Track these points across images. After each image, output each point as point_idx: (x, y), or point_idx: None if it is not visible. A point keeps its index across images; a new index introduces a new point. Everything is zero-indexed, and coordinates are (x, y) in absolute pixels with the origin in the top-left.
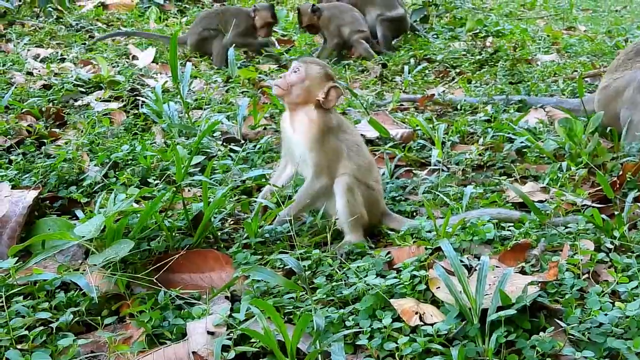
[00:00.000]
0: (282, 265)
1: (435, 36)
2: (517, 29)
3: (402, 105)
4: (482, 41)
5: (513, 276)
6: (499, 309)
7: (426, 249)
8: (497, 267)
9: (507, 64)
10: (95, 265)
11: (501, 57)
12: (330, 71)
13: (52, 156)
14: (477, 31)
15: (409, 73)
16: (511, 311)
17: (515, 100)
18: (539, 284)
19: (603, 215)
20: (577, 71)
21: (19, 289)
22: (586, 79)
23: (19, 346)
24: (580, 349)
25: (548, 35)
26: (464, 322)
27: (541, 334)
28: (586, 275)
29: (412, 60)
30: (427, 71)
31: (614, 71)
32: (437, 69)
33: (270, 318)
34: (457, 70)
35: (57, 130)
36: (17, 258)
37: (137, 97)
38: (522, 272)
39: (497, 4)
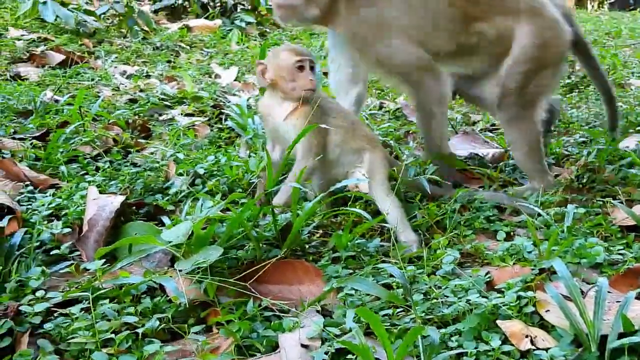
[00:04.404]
0: (375, 281)
1: None
2: (608, 53)
3: (493, 124)
4: (571, 65)
5: (632, 302)
6: (621, 335)
7: (532, 269)
8: (609, 292)
9: None
10: (185, 271)
11: (592, 81)
12: (300, 49)
13: (137, 165)
14: None
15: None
16: (636, 338)
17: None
18: None
19: None
20: None
21: (104, 291)
22: None
23: (104, 350)
24: None
25: (639, 61)
26: (580, 349)
27: None
28: None
29: None
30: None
31: None
32: None
33: (370, 331)
34: None
35: (142, 140)
36: (103, 260)
37: (221, 112)
38: (639, 297)
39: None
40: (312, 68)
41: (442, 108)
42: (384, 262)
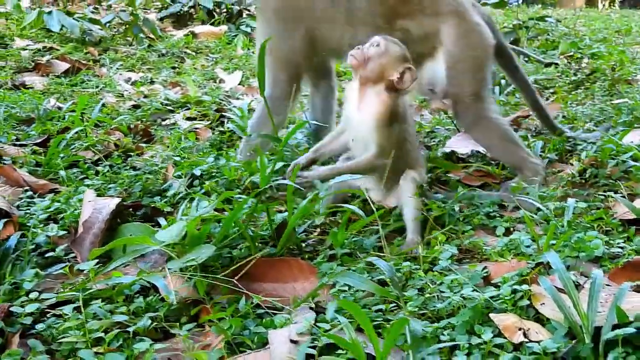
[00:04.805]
0: (369, 278)
1: (526, 59)
2: (615, 50)
3: None
4: (578, 62)
5: (628, 294)
6: (615, 327)
7: (528, 263)
8: (607, 285)
9: (605, 85)
10: (175, 269)
11: (598, 78)
12: (407, 53)
13: (137, 168)
14: (571, 53)
15: (500, 94)
16: (630, 329)
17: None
18: None
19: None
20: None
21: (97, 292)
22: None
23: (94, 349)
24: None
25: None
26: (574, 341)
27: None
28: None
29: (502, 81)
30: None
31: None
32: None
33: (361, 326)
34: (552, 91)
35: (143, 145)
36: (96, 261)
37: (223, 116)
38: (637, 290)
39: (591, 30)
40: None
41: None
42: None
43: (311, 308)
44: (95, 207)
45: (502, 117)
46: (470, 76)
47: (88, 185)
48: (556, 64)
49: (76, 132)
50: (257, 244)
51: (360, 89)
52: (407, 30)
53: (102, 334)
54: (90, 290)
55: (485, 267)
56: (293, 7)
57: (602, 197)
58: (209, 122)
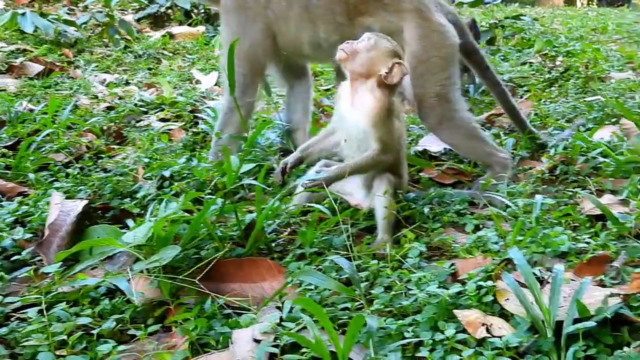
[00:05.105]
0: (336, 277)
1: (502, 57)
2: (589, 48)
3: None
4: (552, 60)
5: (591, 288)
6: (576, 321)
7: (493, 259)
8: (572, 280)
9: (579, 82)
10: (137, 271)
11: (572, 76)
12: (399, 50)
13: (108, 170)
14: (546, 52)
15: (474, 92)
16: (590, 323)
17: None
18: (621, 297)
19: None
20: None
21: (63, 295)
22: None
23: (57, 352)
24: None
25: (622, 55)
26: (536, 336)
27: (625, 349)
28: None
29: (477, 79)
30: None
31: None
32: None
33: (322, 325)
34: (526, 89)
35: (115, 146)
36: (60, 263)
37: (197, 117)
38: (601, 284)
39: (567, 29)
40: None
41: None
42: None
43: (278, 307)
44: (62, 209)
45: (469, 115)
46: (434, 77)
47: (57, 188)
48: (531, 62)
49: (47, 135)
50: (226, 244)
51: (352, 87)
52: (368, 28)
53: (65, 337)
54: (56, 293)
55: (452, 264)
56: (251, 2)
57: (571, 193)
58: (183, 123)
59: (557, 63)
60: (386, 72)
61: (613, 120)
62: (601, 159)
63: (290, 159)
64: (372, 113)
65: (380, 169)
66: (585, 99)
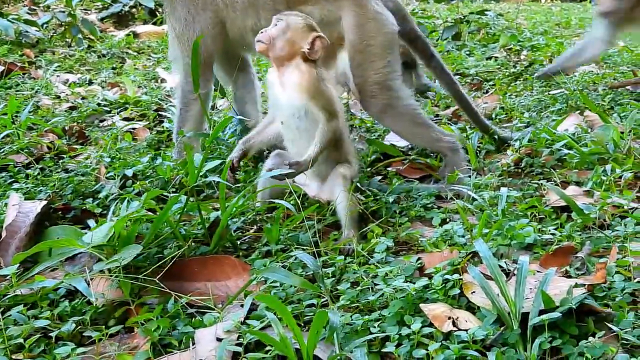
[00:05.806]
0: (302, 273)
1: (468, 52)
2: (553, 42)
3: (436, 116)
4: (517, 55)
5: (556, 279)
6: (542, 312)
7: (460, 252)
8: (538, 271)
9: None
10: (97, 270)
11: (537, 70)
12: (313, 22)
13: (69, 170)
14: (511, 46)
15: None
16: (555, 314)
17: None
18: (586, 287)
19: None
20: (616, 79)
21: (22, 297)
22: (627, 88)
23: (14, 355)
24: (636, 356)
25: None
26: (502, 328)
27: (590, 339)
28: (638, 279)
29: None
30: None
31: None
32: (470, 83)
33: (285, 323)
34: (491, 83)
35: (77, 147)
36: (18, 265)
37: (162, 115)
38: (566, 275)
39: (531, 24)
40: None
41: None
42: (317, 254)
43: (242, 306)
44: (21, 210)
45: (413, 102)
46: (373, 65)
47: (17, 189)
48: (496, 57)
49: (7, 136)
50: (190, 243)
51: (279, 71)
52: (310, 16)
53: (22, 340)
54: (13, 296)
55: (419, 258)
56: None
57: (536, 185)
58: (147, 122)
59: (522, 57)
60: (308, 48)
61: (577, 112)
62: (566, 151)
63: (234, 154)
64: (305, 87)
65: (331, 157)
66: (549, 92)
